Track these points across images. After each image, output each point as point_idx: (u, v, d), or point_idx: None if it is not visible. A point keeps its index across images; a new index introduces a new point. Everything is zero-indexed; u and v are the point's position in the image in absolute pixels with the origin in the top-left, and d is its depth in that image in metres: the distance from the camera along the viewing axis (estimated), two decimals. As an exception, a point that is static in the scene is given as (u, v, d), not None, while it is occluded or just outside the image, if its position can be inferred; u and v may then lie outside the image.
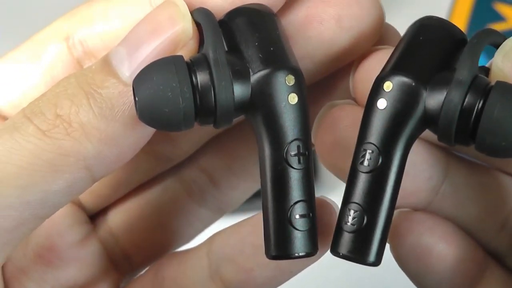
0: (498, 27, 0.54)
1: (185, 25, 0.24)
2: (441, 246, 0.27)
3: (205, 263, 0.28)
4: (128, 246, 0.31)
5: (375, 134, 0.24)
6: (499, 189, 0.28)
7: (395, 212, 0.27)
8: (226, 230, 0.29)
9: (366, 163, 0.24)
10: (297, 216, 0.24)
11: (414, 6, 0.56)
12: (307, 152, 0.24)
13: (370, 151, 0.24)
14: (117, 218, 0.31)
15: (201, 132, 0.30)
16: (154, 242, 0.31)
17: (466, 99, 0.23)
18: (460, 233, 0.28)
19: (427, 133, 0.25)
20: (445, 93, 0.24)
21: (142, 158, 0.30)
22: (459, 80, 0.24)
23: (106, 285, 0.31)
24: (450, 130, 0.24)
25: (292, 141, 0.24)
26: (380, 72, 0.25)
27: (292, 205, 0.24)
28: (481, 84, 0.24)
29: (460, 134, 0.24)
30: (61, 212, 0.28)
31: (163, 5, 0.25)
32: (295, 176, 0.24)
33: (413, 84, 0.24)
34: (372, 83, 0.25)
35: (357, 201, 0.24)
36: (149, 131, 0.25)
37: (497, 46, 0.25)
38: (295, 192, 0.24)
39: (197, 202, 0.31)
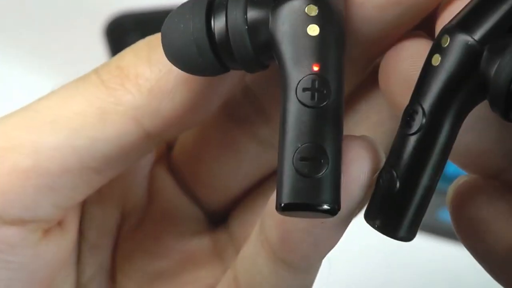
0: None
1: None
2: (501, 225, 0.24)
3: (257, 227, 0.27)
4: (242, 242, 0.29)
5: (423, 93, 0.21)
6: None
7: (460, 178, 0.25)
8: None
9: (409, 124, 0.21)
10: (302, 160, 0.21)
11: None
12: (325, 91, 0.21)
13: (415, 112, 0.21)
14: (234, 214, 0.30)
15: None
16: None
17: None
18: None
19: None
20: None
21: (244, 143, 0.29)
22: None
23: (210, 279, 0.30)
24: (499, 99, 0.21)
25: (306, 75, 0.21)
26: (446, 24, 0.22)
27: (299, 147, 0.21)
28: None
29: None
30: (172, 205, 0.30)
31: None
32: (305, 115, 0.21)
33: (473, 42, 0.21)
34: None
35: (392, 164, 0.22)
36: (203, 90, 0.25)
37: None
38: (304, 132, 0.21)
39: None
